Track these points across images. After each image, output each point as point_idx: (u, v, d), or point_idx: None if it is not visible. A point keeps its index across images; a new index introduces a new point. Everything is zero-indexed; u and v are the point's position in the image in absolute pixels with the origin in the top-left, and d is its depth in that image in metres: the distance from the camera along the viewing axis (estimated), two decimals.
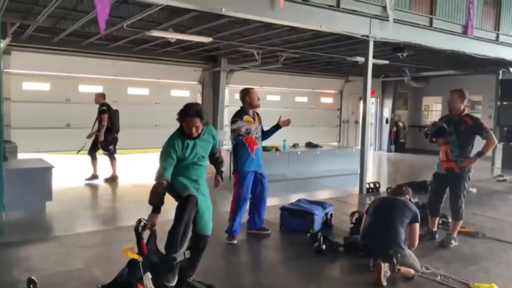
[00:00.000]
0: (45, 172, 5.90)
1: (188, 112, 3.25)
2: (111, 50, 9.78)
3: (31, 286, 3.10)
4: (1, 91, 5.55)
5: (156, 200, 3.16)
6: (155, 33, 7.50)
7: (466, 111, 4.80)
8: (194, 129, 3.27)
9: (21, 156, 7.58)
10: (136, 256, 3.00)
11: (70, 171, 8.85)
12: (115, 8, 6.54)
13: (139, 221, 3.19)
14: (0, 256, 4.19)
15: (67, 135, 9.75)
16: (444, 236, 4.80)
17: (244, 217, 4.84)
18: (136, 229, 3.16)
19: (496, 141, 4.78)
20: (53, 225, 5.63)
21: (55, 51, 9.26)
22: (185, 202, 3.17)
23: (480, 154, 4.60)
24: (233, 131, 4.63)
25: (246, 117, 4.74)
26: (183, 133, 3.31)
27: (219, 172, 3.81)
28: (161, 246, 3.23)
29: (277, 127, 5.01)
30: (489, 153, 11.86)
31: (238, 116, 4.72)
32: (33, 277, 3.12)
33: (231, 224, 4.71)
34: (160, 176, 3.20)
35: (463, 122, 4.67)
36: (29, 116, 9.23)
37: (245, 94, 4.81)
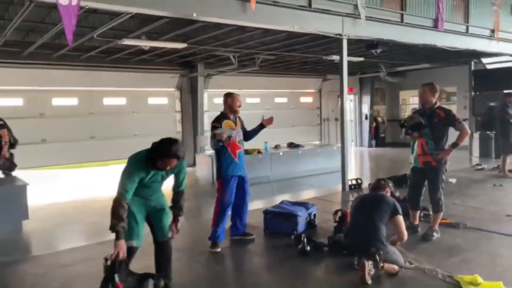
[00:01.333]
0: (19, 189, 5.74)
1: (168, 154, 3.10)
2: (84, 60, 9.59)
3: None
4: None
5: (117, 224, 2.95)
6: (127, 42, 7.38)
7: (438, 104, 4.86)
8: (169, 167, 3.19)
9: None
10: None
11: (46, 188, 8.63)
12: (84, 18, 6.42)
13: (105, 259, 2.97)
14: None
15: (43, 150, 9.52)
16: (426, 229, 4.85)
17: (227, 222, 4.79)
18: (106, 268, 2.94)
19: (469, 131, 4.84)
20: (31, 245, 5.46)
21: (26, 64, 9.03)
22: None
23: (454, 145, 4.66)
24: (213, 136, 4.57)
25: (226, 121, 4.70)
26: (151, 162, 3.14)
27: (175, 219, 3.48)
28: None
29: (261, 126, 5.01)
30: (466, 143, 12.21)
31: (217, 121, 4.68)
32: None
33: (214, 230, 4.63)
34: (121, 197, 3.04)
35: (436, 115, 4.73)
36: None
37: (227, 97, 4.79)
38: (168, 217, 3.45)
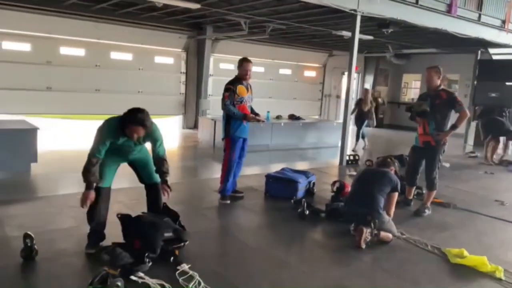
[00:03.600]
0: (30, 133, 5.87)
1: (133, 121, 3.23)
2: (95, 12, 9.51)
3: (28, 240, 3.18)
4: None
5: (87, 178, 3.24)
6: None
7: (442, 86, 5.01)
8: (135, 136, 3.29)
9: (1, 117, 7.44)
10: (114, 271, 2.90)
11: (53, 134, 8.76)
12: None
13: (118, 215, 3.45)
14: None
15: (48, 98, 9.58)
16: (419, 206, 5.11)
17: None
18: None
19: (469, 114, 4.96)
20: (40, 186, 5.67)
21: (36, 10, 8.93)
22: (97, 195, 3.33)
23: (453, 127, 4.85)
24: (225, 97, 4.79)
25: (240, 87, 4.88)
26: (120, 129, 3.28)
27: (164, 181, 3.59)
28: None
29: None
30: (462, 130, 12.45)
31: (232, 84, 4.87)
32: (29, 232, 3.20)
33: (224, 185, 5.02)
34: (92, 155, 3.27)
35: (439, 96, 4.91)
36: (8, 77, 8.98)
37: (242, 62, 4.96)
38: (148, 156, 3.64)
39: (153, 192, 3.70)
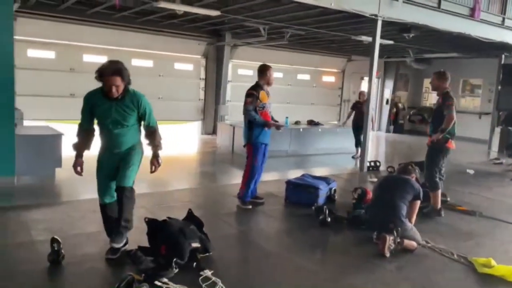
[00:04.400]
0: (55, 139, 6.01)
1: (105, 71, 3.11)
2: (116, 20, 9.70)
3: (55, 245, 3.24)
4: (13, 57, 5.56)
5: (73, 146, 3.44)
6: (163, 4, 7.44)
7: (447, 90, 5.03)
8: (114, 88, 3.14)
9: (26, 123, 7.63)
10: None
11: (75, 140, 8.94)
12: None
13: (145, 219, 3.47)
14: (16, 218, 4.35)
15: (71, 104, 9.77)
16: (429, 208, 5.09)
17: None
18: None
19: (454, 117, 4.94)
20: (65, 191, 5.80)
21: (60, 18, 9.18)
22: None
23: (441, 130, 4.90)
24: (248, 103, 4.83)
25: (262, 92, 4.92)
26: (100, 89, 3.25)
27: (155, 155, 3.43)
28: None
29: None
30: (486, 137, 12.17)
31: (254, 89, 4.91)
32: (56, 237, 3.27)
33: (246, 191, 5.03)
34: (79, 126, 3.43)
35: (438, 100, 5.09)
36: (34, 84, 9.23)
37: (267, 69, 4.97)
38: (133, 160, 3.37)
39: (118, 194, 3.35)
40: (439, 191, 5.10)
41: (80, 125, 3.40)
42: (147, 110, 3.39)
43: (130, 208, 3.35)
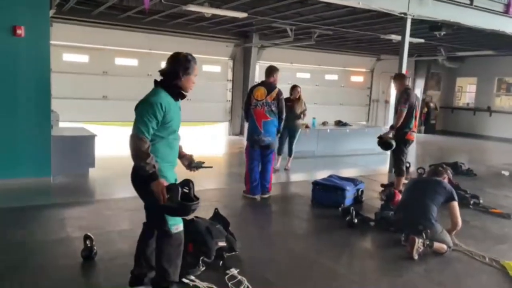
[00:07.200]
0: (89, 140, 6.25)
1: (191, 60, 2.63)
2: (147, 24, 9.95)
3: (88, 241, 3.39)
4: (50, 62, 5.82)
5: (144, 160, 2.42)
6: (192, 8, 7.60)
7: (406, 87, 5.85)
8: (195, 80, 2.66)
9: (61, 125, 7.96)
10: None
11: (109, 141, 9.24)
12: None
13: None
14: (53, 215, 4.56)
15: (104, 106, 10.12)
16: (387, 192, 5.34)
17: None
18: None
19: (403, 116, 5.62)
20: (98, 190, 6.01)
21: (93, 23, 9.51)
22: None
23: (390, 127, 5.78)
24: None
25: (258, 88, 5.36)
26: (172, 89, 2.65)
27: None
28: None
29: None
30: None
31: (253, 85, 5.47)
32: (89, 234, 3.41)
33: (247, 186, 5.53)
34: (139, 131, 2.46)
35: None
36: (69, 87, 9.59)
37: (276, 71, 5.48)
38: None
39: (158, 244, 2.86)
40: (403, 178, 5.89)
41: (142, 133, 2.49)
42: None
43: None
